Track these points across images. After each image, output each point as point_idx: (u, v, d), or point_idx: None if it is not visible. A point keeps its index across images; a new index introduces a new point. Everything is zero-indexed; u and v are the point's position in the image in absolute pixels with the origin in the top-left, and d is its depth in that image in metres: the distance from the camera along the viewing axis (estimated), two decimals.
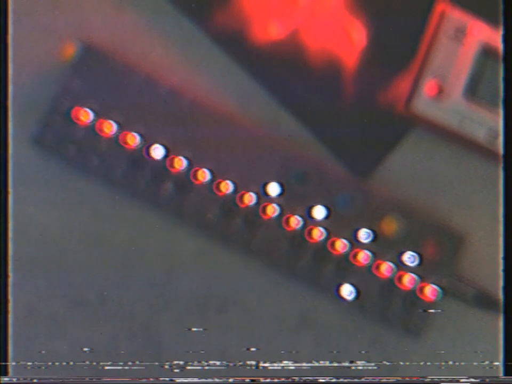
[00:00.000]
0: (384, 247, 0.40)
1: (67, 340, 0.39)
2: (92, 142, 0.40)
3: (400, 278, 0.40)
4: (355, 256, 0.40)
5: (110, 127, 0.40)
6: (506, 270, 0.38)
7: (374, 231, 0.40)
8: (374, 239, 0.40)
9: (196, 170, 0.40)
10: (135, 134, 0.40)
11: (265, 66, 0.41)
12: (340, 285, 0.40)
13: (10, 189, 0.39)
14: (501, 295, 0.38)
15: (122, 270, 0.40)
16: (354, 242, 0.40)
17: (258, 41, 0.41)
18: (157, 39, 0.41)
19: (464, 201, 0.41)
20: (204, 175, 0.40)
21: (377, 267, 0.40)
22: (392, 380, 0.38)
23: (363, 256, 0.40)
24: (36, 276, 0.39)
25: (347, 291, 0.40)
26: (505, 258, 0.38)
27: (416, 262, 0.40)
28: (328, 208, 0.40)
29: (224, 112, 0.40)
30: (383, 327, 0.40)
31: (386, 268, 0.40)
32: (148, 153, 0.40)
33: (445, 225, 0.40)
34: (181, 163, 0.40)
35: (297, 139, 0.40)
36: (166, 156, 0.40)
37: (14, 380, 0.35)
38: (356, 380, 0.39)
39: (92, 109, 0.40)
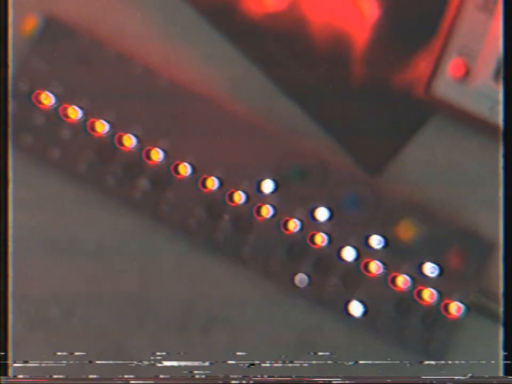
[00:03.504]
0: (399, 256, 0.37)
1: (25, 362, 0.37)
2: (54, 130, 0.37)
3: (419, 293, 0.37)
4: (366, 266, 0.37)
5: (75, 113, 0.37)
6: (506, 269, 0.36)
7: (387, 238, 0.37)
8: (388, 247, 0.37)
9: (177, 164, 0.37)
10: (104, 122, 0.37)
11: (259, 43, 0.38)
12: (347, 300, 0.37)
13: None
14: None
15: (89, 281, 0.37)
16: (365, 250, 0.37)
17: (252, 13, 0.38)
18: (132, 10, 0.38)
19: (494, 202, 0.37)
20: (186, 169, 0.37)
21: (392, 280, 0.37)
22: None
23: (375, 267, 0.37)
24: None
25: (356, 308, 0.37)
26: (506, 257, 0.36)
27: (438, 274, 0.37)
28: (332, 210, 0.37)
29: (210, 96, 0.37)
30: (399, 350, 0.37)
31: (402, 281, 0.37)
32: (120, 143, 0.37)
33: (472, 230, 0.37)
34: (158, 155, 0.37)
35: (297, 128, 0.38)
36: (140, 146, 0.37)
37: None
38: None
39: (54, 93, 0.37)
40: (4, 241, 0.36)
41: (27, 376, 0.36)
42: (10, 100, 0.36)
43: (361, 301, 0.36)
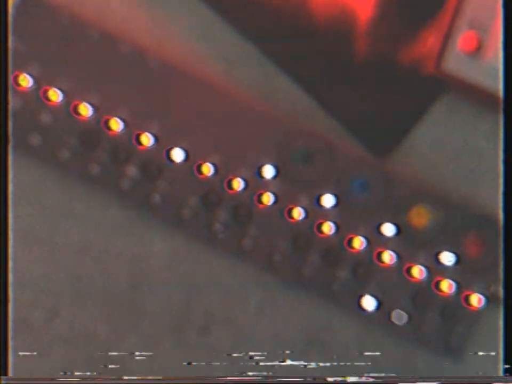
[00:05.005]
0: (414, 245, 0.35)
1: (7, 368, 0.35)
2: (34, 114, 0.34)
3: (436, 284, 0.34)
4: (378, 256, 0.35)
5: (56, 95, 0.34)
6: (506, 265, 0.35)
7: (399, 225, 0.35)
8: (401, 235, 0.35)
9: (169, 149, 0.34)
10: (88, 104, 0.34)
11: (255, 19, 0.36)
12: (359, 294, 0.34)
13: None
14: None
15: (74, 280, 0.35)
16: (377, 239, 0.35)
17: None
18: None
19: None
20: (179, 155, 0.34)
21: (407, 270, 0.34)
22: None
23: (388, 257, 0.34)
24: None
25: (369, 302, 0.34)
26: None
27: (455, 263, 0.35)
28: (339, 196, 0.35)
29: (204, 76, 0.35)
30: (416, 347, 0.35)
31: (418, 271, 0.34)
32: (107, 127, 0.34)
33: (490, 215, 0.35)
34: (148, 139, 0.34)
35: (298, 108, 0.36)
36: (129, 131, 0.34)
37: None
38: None
39: (32, 74, 0.34)
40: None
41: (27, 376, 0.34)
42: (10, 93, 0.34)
43: (374, 294, 0.34)
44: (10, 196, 0.34)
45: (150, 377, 0.34)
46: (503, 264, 0.34)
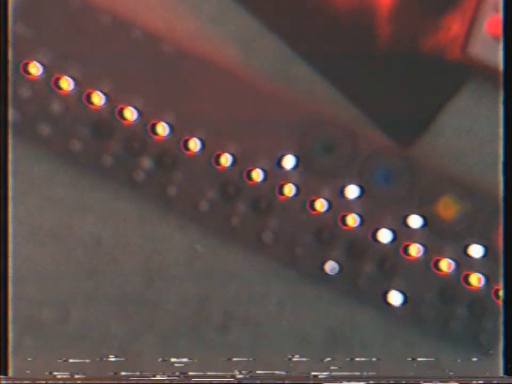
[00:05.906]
0: (441, 237, 0.34)
1: (15, 368, 0.34)
2: (44, 103, 0.34)
3: (465, 278, 0.34)
4: (405, 249, 0.34)
5: (67, 83, 0.34)
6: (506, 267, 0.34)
7: (426, 217, 0.34)
8: (428, 227, 0.34)
9: (186, 139, 0.34)
10: (101, 93, 0.34)
11: (274, 2, 0.35)
12: (384, 288, 0.34)
13: None
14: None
15: (86, 277, 0.34)
16: (403, 231, 0.34)
17: None
18: None
19: None
20: (196, 144, 0.34)
21: (435, 264, 0.34)
22: None
23: (415, 250, 0.34)
24: None
25: (395, 296, 0.34)
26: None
27: (484, 256, 0.34)
28: (363, 187, 0.34)
29: (220, 62, 0.35)
30: (444, 344, 0.34)
31: (446, 264, 0.34)
32: (120, 116, 0.34)
33: None
34: (164, 129, 0.34)
35: (319, 97, 0.35)
36: (143, 120, 0.34)
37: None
38: None
39: (42, 62, 0.34)
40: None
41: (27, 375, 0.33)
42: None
43: (400, 289, 0.34)
44: (19, 189, 0.34)
45: (165, 378, 0.33)
46: (503, 263, 0.34)
